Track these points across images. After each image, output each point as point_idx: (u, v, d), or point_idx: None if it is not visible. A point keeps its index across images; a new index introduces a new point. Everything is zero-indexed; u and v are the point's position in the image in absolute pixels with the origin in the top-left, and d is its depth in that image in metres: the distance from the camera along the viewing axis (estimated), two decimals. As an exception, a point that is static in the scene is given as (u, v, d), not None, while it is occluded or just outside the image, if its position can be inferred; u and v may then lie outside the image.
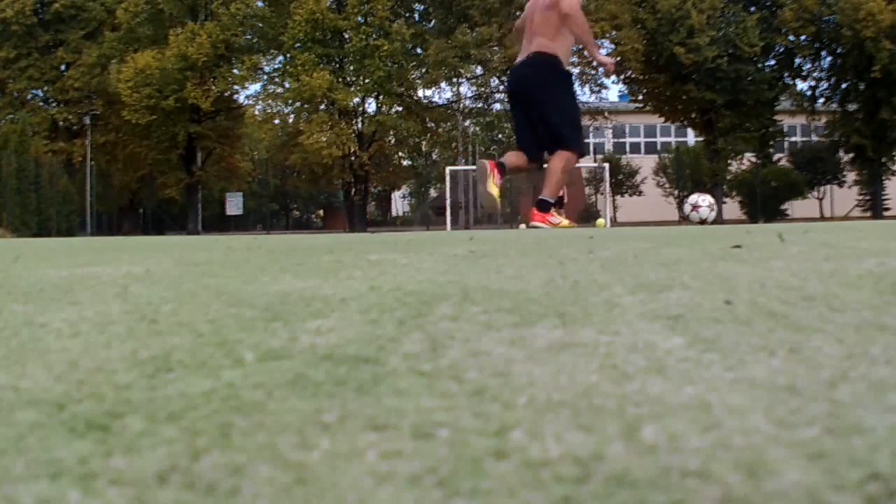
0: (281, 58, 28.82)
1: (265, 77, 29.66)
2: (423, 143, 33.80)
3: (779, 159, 32.62)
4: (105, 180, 31.83)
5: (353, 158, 28.15)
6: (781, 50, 28.80)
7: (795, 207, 31.97)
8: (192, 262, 2.32)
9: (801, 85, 29.63)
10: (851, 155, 28.87)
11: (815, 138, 33.39)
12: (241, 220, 38.92)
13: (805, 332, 0.84)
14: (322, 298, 1.24)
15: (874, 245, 2.16)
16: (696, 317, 0.97)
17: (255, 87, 43.15)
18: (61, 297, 1.40)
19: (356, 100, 28.29)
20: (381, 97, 28.65)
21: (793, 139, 36.12)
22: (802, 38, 27.76)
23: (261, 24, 28.71)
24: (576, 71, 25.39)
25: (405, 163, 36.80)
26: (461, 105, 30.61)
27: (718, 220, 15.37)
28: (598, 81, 28.02)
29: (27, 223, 25.32)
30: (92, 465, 0.47)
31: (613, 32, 26.33)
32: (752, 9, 27.88)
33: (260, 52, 29.27)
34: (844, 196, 32.69)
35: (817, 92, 29.28)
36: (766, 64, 28.54)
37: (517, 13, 23.47)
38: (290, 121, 29.67)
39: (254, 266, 2.07)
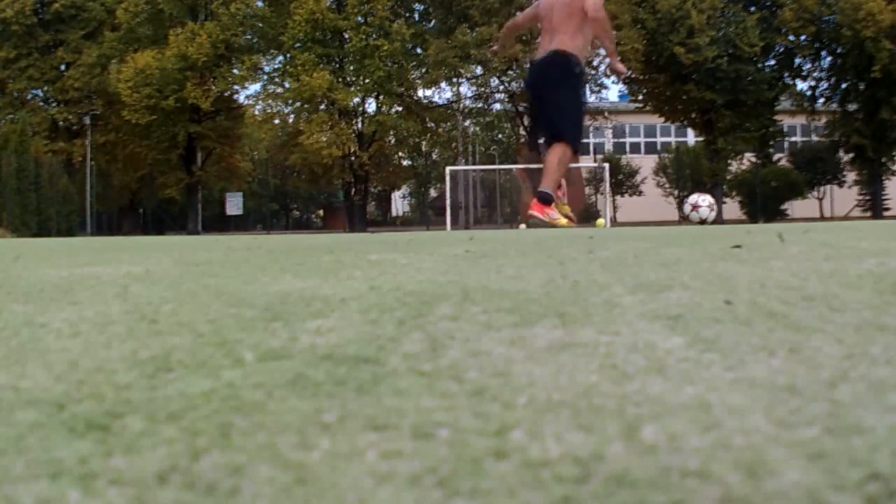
0: (281, 58, 28.83)
1: (265, 77, 29.68)
2: (423, 143, 33.81)
3: (779, 159, 32.61)
4: (105, 180, 31.82)
5: (353, 158, 28.15)
6: (781, 50, 28.79)
7: (795, 207, 31.96)
8: (192, 262, 2.32)
9: (801, 85, 29.66)
10: (851, 155, 28.86)
11: (815, 138, 33.38)
12: (241, 220, 38.91)
13: (805, 332, 0.84)
14: (322, 298, 1.24)
15: (874, 245, 2.16)
16: (696, 317, 0.97)
17: (255, 87, 43.13)
18: (61, 297, 1.40)
19: (356, 100, 28.29)
20: (381, 97, 28.65)
21: (793, 139, 36.11)
22: (802, 38, 27.75)
23: (261, 24, 28.71)
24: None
25: (405, 163, 36.82)
26: (461, 105, 30.62)
27: (718, 220, 15.37)
28: (598, 81, 28.04)
29: (27, 223, 25.32)
30: (92, 465, 0.47)
31: (613, 32, 26.28)
32: (752, 9, 27.87)
33: (260, 52, 29.27)
34: (844, 196, 32.68)
35: (817, 92, 29.28)
36: (766, 64, 28.53)
37: (517, 13, 23.47)
38: (290, 121, 29.67)
39: (254, 266, 2.07)
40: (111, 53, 28.84)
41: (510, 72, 27.40)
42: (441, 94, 41.28)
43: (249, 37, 29.49)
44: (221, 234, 20.32)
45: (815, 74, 29.33)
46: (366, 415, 0.56)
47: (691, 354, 0.75)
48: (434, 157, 37.80)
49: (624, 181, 35.48)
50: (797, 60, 28.93)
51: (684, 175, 33.13)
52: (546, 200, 5.72)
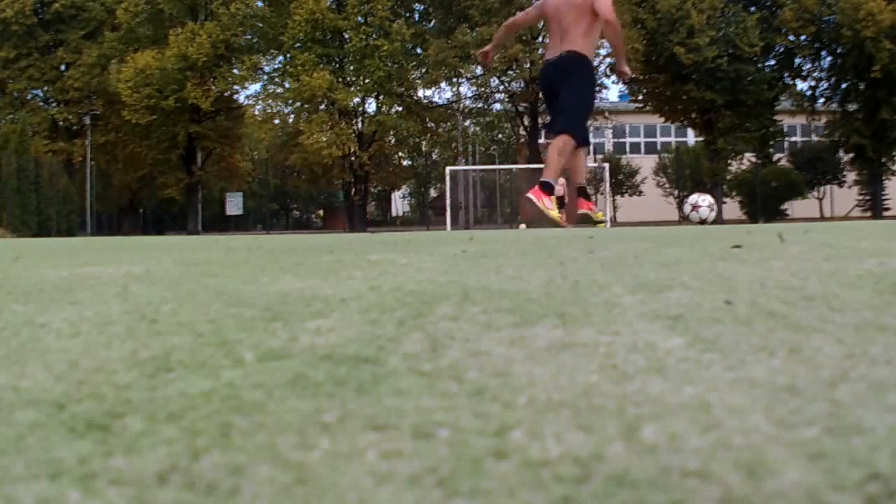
0: (281, 58, 28.83)
1: (265, 77, 29.69)
2: (423, 143, 33.82)
3: (779, 159, 32.62)
4: (105, 180, 31.83)
5: (353, 158, 28.15)
6: (781, 50, 28.79)
7: (795, 207, 31.96)
8: (192, 262, 2.32)
9: (801, 85, 29.66)
10: (851, 155, 28.86)
11: (815, 138, 33.38)
12: (241, 220, 38.91)
13: (805, 332, 0.84)
14: (322, 298, 1.24)
15: (874, 245, 2.17)
16: (696, 317, 0.97)
17: (255, 87, 43.20)
18: (61, 297, 1.40)
19: (356, 100, 28.30)
20: (381, 97, 28.65)
21: (793, 139, 36.12)
22: (802, 38, 27.75)
23: (261, 24, 28.71)
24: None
25: (405, 163, 36.82)
26: (461, 105, 30.63)
27: (718, 220, 15.38)
28: (598, 81, 28.02)
29: (27, 223, 25.32)
30: (92, 465, 0.47)
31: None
32: (752, 9, 27.88)
33: (260, 52, 29.28)
34: (844, 196, 32.69)
35: (817, 92, 29.28)
36: (766, 64, 28.54)
37: (517, 13, 23.45)
38: (290, 121, 29.67)
39: (254, 266, 2.07)
40: (111, 53, 28.85)
41: (510, 72, 27.40)
42: (441, 94, 41.33)
43: (249, 37, 29.50)
44: (221, 234, 20.33)
45: (815, 74, 29.34)
46: (366, 415, 0.56)
47: (691, 354, 0.75)
48: (434, 157, 37.81)
49: (624, 181, 35.47)
50: (797, 60, 28.94)
51: (684, 175, 33.13)
52: (546, 189, 5.76)
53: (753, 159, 30.41)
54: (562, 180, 19.37)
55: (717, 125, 27.67)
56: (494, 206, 34.10)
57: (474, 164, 32.01)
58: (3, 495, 0.42)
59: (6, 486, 0.43)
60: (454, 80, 28.84)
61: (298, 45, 26.92)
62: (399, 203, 47.43)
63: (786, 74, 29.10)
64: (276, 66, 29.52)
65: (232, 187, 33.35)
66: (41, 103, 31.27)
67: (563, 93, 5.85)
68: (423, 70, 28.48)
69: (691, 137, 35.98)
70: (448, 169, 21.58)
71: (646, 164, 36.17)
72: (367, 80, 27.61)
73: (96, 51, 29.12)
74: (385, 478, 0.44)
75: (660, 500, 0.40)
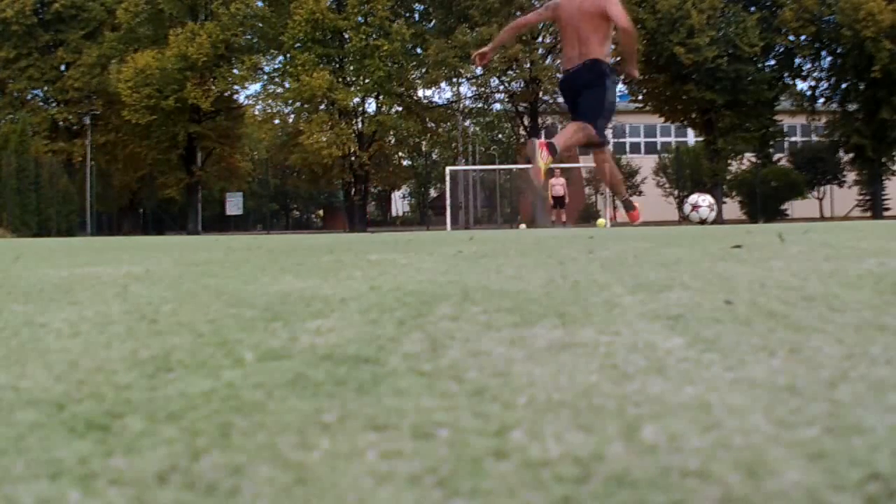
0: (281, 58, 28.83)
1: (265, 77, 29.69)
2: (423, 143, 33.81)
3: (779, 159, 32.61)
4: (105, 180, 31.83)
5: (353, 158, 28.15)
6: (781, 50, 28.79)
7: (795, 207, 31.95)
8: (192, 262, 2.32)
9: (801, 85, 29.64)
10: (851, 155, 28.86)
11: (815, 138, 33.38)
12: (241, 220, 38.90)
13: (805, 332, 0.84)
14: (322, 298, 1.24)
15: (874, 245, 2.17)
16: (696, 317, 0.97)
17: (255, 87, 43.11)
18: (61, 297, 1.40)
19: (356, 100, 28.30)
20: (381, 97, 28.65)
21: (793, 139, 36.11)
22: (802, 38, 27.75)
23: (261, 24, 28.71)
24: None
25: (405, 163, 36.80)
26: (461, 105, 30.62)
27: (718, 220, 15.38)
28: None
29: (27, 223, 25.32)
30: (92, 465, 0.47)
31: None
32: (752, 9, 27.87)
33: (260, 52, 29.28)
34: (844, 196, 32.68)
35: (817, 92, 29.27)
36: (766, 64, 28.53)
37: (517, 13, 23.46)
38: (290, 121, 29.67)
39: (254, 266, 2.07)
40: (111, 53, 28.86)
41: (510, 72, 27.41)
42: (441, 94, 41.29)
43: (249, 37, 29.49)
44: (221, 234, 20.33)
45: (815, 74, 29.33)
46: (366, 415, 0.56)
47: (691, 354, 0.75)
48: (434, 157, 37.78)
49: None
50: (797, 60, 28.93)
51: (684, 175, 33.12)
52: (551, 148, 5.82)
53: (753, 159, 30.40)
54: (562, 180, 19.40)
55: (717, 125, 27.68)
56: (494, 206, 34.09)
57: (474, 164, 31.99)
58: (3, 495, 0.42)
59: (6, 486, 0.43)
60: (454, 80, 28.85)
61: (298, 45, 26.92)
62: (399, 203, 47.41)
63: (786, 74, 29.10)
64: (276, 66, 29.54)
65: (232, 187, 33.34)
66: (41, 103, 31.27)
67: (585, 98, 5.95)
68: (423, 70, 28.48)
69: (691, 137, 35.98)
70: (448, 169, 21.58)
71: (646, 164, 36.17)
72: (367, 80, 27.62)
73: (96, 51, 29.12)
74: (385, 478, 0.44)
75: (660, 500, 0.40)
